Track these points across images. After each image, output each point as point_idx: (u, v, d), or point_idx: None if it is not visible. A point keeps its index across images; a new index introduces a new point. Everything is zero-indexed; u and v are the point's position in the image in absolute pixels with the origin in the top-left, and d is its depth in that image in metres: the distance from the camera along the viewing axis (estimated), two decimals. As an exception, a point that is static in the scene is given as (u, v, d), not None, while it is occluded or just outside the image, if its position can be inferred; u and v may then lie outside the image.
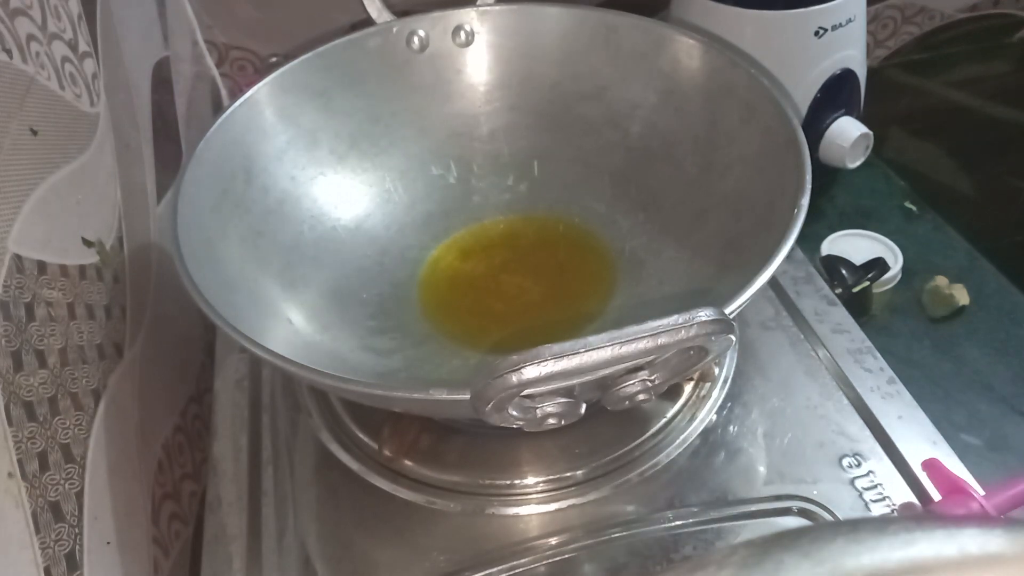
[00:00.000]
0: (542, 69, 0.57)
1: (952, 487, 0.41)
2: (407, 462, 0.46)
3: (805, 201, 0.41)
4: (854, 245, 0.63)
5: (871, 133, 0.61)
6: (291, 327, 0.47)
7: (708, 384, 0.48)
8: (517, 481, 0.45)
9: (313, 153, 0.54)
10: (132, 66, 0.59)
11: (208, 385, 0.56)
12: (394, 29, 0.56)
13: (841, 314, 0.53)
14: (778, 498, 0.43)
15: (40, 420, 0.38)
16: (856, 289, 0.59)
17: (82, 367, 0.43)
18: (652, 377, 0.34)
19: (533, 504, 0.44)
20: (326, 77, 0.55)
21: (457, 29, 0.57)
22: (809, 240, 0.65)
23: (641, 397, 0.34)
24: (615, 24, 0.55)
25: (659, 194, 0.54)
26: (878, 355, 0.50)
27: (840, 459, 0.45)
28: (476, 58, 0.58)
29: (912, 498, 0.43)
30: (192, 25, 0.65)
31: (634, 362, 0.32)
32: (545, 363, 0.31)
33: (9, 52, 0.39)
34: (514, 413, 0.33)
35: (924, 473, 0.43)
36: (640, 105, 0.55)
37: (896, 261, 0.61)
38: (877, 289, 0.61)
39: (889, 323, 0.62)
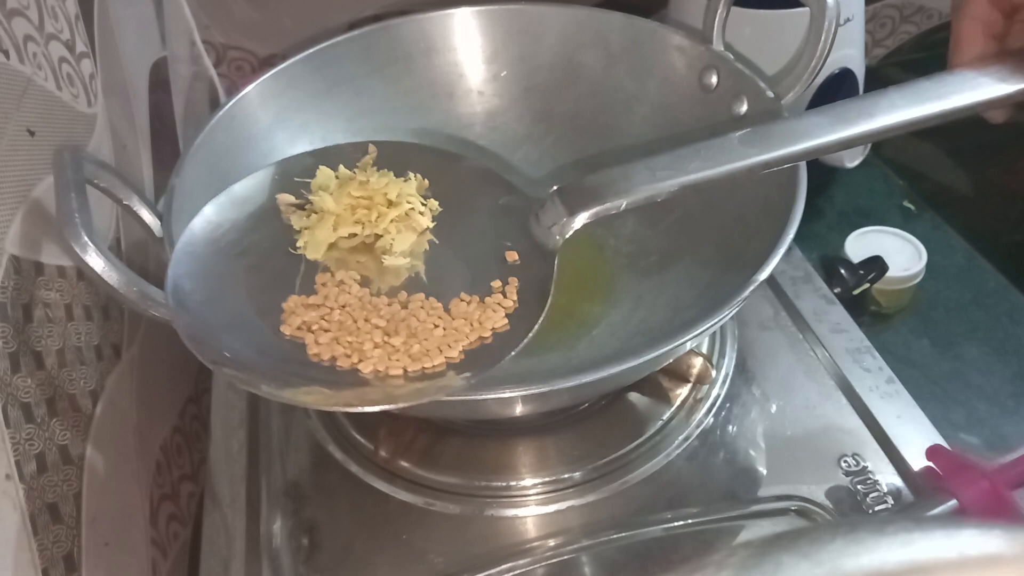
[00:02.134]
0: (540, 68, 0.57)
1: (960, 468, 0.41)
2: (403, 463, 0.46)
3: (801, 201, 0.41)
4: (880, 242, 0.63)
5: (869, 132, 0.61)
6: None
7: (706, 386, 0.49)
8: (515, 483, 0.45)
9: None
10: (130, 66, 0.59)
11: (206, 386, 0.56)
12: (392, 29, 0.56)
13: (840, 314, 0.53)
14: (777, 498, 0.43)
15: (38, 421, 0.38)
16: (856, 291, 0.59)
17: (80, 368, 0.43)
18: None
19: (532, 505, 0.44)
20: (323, 76, 0.55)
21: (456, 28, 0.57)
22: (808, 239, 0.65)
23: None
24: (611, 24, 0.55)
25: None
26: (877, 355, 0.50)
27: (839, 459, 0.45)
28: (473, 58, 0.58)
29: (911, 497, 0.43)
30: (190, 25, 0.65)
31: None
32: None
33: (6, 53, 0.39)
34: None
35: (930, 461, 0.43)
36: (636, 105, 0.55)
37: (920, 259, 0.61)
38: (902, 286, 0.61)
39: (888, 322, 0.62)
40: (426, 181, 0.48)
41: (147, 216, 0.44)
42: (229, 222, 0.46)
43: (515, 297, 0.43)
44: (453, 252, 0.46)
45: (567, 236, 0.43)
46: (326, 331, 0.42)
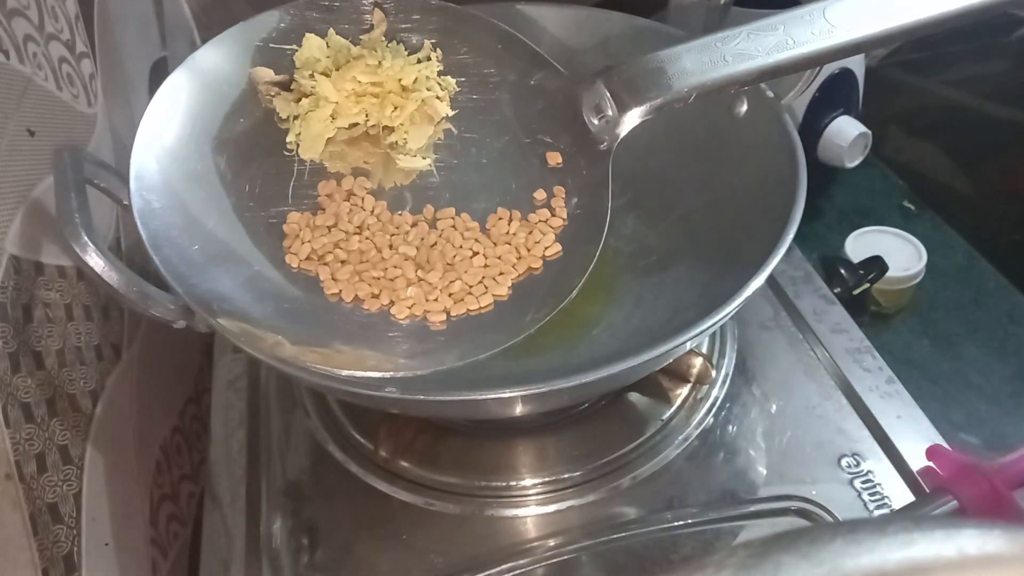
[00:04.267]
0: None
1: (960, 468, 0.41)
2: (404, 463, 0.46)
3: (801, 202, 0.41)
4: (880, 242, 0.63)
5: (869, 132, 0.62)
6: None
7: (706, 386, 0.49)
8: (515, 483, 0.45)
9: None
10: (130, 66, 0.59)
11: (206, 386, 0.56)
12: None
13: (840, 314, 0.53)
14: (777, 498, 0.43)
15: (38, 421, 0.38)
16: (856, 291, 0.59)
17: (80, 368, 0.43)
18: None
19: (532, 505, 0.44)
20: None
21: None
22: (808, 239, 0.65)
23: None
24: (611, 24, 0.55)
25: (657, 196, 0.54)
26: (877, 355, 0.50)
27: (839, 459, 0.45)
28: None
29: (911, 497, 0.43)
30: (190, 25, 0.65)
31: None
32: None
33: (6, 53, 0.39)
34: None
35: (930, 461, 0.43)
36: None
37: (920, 259, 0.62)
38: (902, 286, 0.61)
39: (888, 322, 0.62)
40: (439, 51, 0.39)
41: (147, 216, 0.43)
42: (198, 106, 0.37)
43: (564, 214, 0.36)
44: (479, 148, 0.38)
45: (621, 137, 0.36)
46: (343, 262, 0.35)
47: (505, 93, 0.39)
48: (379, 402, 0.41)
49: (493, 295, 0.36)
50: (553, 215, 0.37)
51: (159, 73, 0.64)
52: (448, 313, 0.35)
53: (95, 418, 0.44)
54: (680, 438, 0.46)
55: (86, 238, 0.35)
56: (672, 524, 0.42)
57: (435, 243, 0.36)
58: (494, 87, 0.39)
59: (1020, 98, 0.84)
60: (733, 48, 0.35)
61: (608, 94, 0.35)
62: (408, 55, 0.39)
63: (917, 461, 0.44)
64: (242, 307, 0.33)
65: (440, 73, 0.39)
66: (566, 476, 0.45)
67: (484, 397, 0.36)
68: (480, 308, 0.35)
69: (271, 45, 0.38)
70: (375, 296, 0.35)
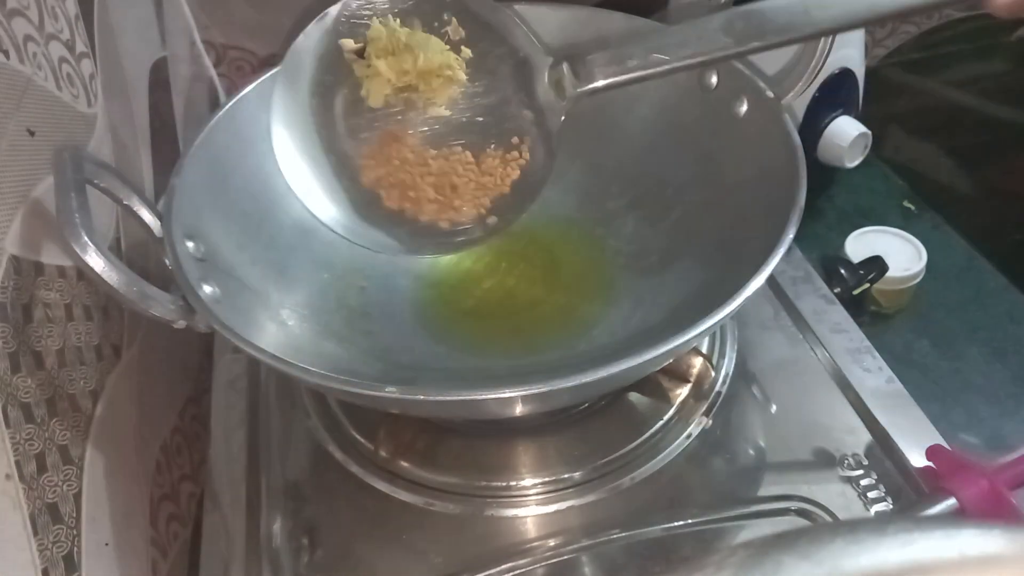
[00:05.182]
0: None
1: (960, 468, 0.41)
2: (403, 463, 0.46)
3: (801, 202, 0.41)
4: (880, 242, 0.63)
5: (869, 132, 0.61)
6: (287, 327, 0.47)
7: (706, 386, 0.48)
8: (515, 483, 0.45)
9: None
10: (130, 67, 0.59)
11: (206, 386, 0.56)
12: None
13: (840, 314, 0.53)
14: (777, 499, 0.43)
15: (38, 421, 0.38)
16: (856, 291, 0.59)
17: (80, 368, 0.43)
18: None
19: (532, 506, 0.44)
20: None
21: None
22: (808, 239, 0.65)
23: None
24: (611, 24, 0.55)
25: (657, 196, 0.54)
26: (877, 355, 0.50)
27: (839, 459, 0.45)
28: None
29: (911, 497, 0.43)
30: (190, 25, 0.65)
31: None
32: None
33: (6, 53, 0.39)
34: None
35: (929, 461, 0.43)
36: (636, 105, 0.55)
37: (920, 259, 0.62)
38: (902, 286, 0.61)
39: (888, 322, 0.62)
40: (462, 30, 0.53)
41: (147, 216, 0.43)
42: (307, 68, 0.51)
43: (527, 155, 0.51)
44: (482, 102, 0.52)
45: (573, 100, 0.48)
46: (393, 186, 0.51)
47: (504, 66, 0.52)
48: (379, 402, 0.41)
49: (479, 208, 0.50)
50: (520, 156, 0.51)
51: (159, 73, 0.64)
52: (451, 221, 0.50)
53: (95, 418, 0.44)
54: (680, 438, 0.46)
55: (86, 238, 0.35)
56: (672, 524, 0.42)
57: (446, 172, 0.51)
58: (498, 61, 0.52)
59: (1020, 98, 0.84)
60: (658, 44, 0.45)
61: (569, 72, 0.48)
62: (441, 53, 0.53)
63: (917, 461, 0.44)
64: (326, 202, 0.50)
65: (459, 42, 0.53)
66: (566, 476, 0.45)
67: (484, 397, 0.36)
68: (471, 217, 0.50)
69: (352, 20, 0.52)
70: (412, 207, 0.50)
